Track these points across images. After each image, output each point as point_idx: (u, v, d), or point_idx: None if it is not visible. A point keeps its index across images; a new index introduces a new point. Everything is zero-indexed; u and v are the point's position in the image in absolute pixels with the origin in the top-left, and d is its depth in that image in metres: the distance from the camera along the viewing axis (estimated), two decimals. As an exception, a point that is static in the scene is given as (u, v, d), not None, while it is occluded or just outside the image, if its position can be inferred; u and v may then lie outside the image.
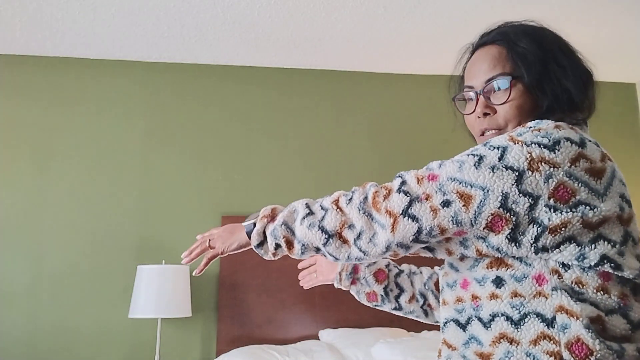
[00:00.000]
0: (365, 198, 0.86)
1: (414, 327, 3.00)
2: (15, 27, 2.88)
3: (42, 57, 3.21)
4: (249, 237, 0.98)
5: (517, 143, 0.80)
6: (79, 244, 3.03)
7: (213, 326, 3.02)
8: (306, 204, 0.92)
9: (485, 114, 0.95)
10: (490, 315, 0.82)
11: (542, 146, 0.78)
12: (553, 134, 0.80)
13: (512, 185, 0.77)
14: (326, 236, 0.87)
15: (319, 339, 2.91)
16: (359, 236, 0.84)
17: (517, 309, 0.80)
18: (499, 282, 0.82)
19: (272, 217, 0.95)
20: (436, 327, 2.96)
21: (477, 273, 0.86)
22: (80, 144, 3.15)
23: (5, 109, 3.13)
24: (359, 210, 0.85)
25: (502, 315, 0.81)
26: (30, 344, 2.90)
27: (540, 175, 0.76)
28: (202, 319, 3.02)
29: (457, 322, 0.88)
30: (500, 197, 0.77)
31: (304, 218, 0.90)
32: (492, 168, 0.78)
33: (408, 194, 0.82)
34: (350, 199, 0.87)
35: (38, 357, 2.88)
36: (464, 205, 0.78)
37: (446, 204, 0.79)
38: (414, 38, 3.05)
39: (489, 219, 0.78)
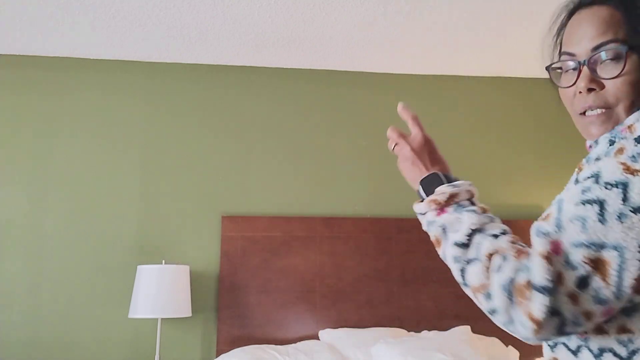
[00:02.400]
0: (512, 281, 0.68)
1: (414, 327, 3.00)
2: (15, 27, 2.88)
3: (42, 57, 3.21)
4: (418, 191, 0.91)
5: (637, 175, 0.65)
6: (79, 244, 3.03)
7: (213, 326, 3.02)
8: (472, 228, 0.77)
9: (590, 90, 0.80)
10: (598, 349, 0.72)
11: None
12: None
13: None
14: (462, 280, 0.76)
15: (319, 339, 2.91)
16: (492, 312, 0.71)
17: (624, 345, 0.70)
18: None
19: (442, 207, 0.82)
20: (436, 327, 2.96)
21: None
22: (80, 144, 3.15)
23: (5, 108, 3.13)
24: (503, 289, 0.68)
25: (610, 351, 0.71)
26: (31, 344, 2.90)
27: None
28: (202, 319, 3.02)
29: (566, 346, 0.77)
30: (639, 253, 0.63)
31: (457, 244, 0.77)
32: (620, 217, 0.64)
33: (546, 292, 0.65)
34: (500, 268, 0.70)
35: (38, 357, 2.88)
36: (602, 279, 0.64)
37: (583, 283, 0.65)
38: (414, 38, 3.05)
39: (634, 285, 0.64)
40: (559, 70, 0.86)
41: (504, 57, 3.29)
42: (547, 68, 0.89)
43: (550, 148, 3.47)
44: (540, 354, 2.96)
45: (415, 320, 3.05)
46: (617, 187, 0.66)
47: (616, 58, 0.78)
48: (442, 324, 2.99)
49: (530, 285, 0.65)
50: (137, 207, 3.11)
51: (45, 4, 2.67)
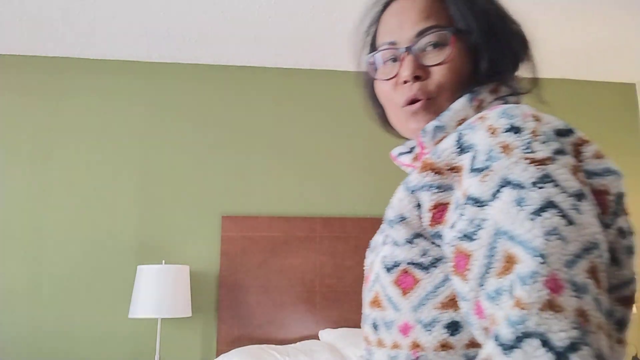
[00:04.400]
0: None
1: (414, 327, 3.00)
2: (15, 27, 2.88)
3: (42, 57, 3.21)
4: None
5: (549, 163, 0.57)
6: (79, 244, 3.03)
7: (213, 326, 3.02)
8: None
9: (417, 78, 0.73)
10: None
11: None
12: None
13: None
14: None
15: (319, 339, 2.91)
16: None
17: None
18: (454, 327, 0.61)
19: None
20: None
21: (424, 314, 0.63)
22: (80, 144, 3.15)
23: (5, 109, 3.13)
24: None
25: None
26: (31, 344, 2.90)
27: None
28: (202, 319, 3.02)
29: None
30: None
31: None
32: (576, 209, 0.55)
33: (580, 345, 0.47)
34: None
35: (38, 357, 2.88)
36: (596, 285, 0.52)
37: (598, 303, 0.51)
38: (414, 38, 3.05)
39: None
40: (373, 65, 0.79)
41: (504, 57, 3.28)
42: (364, 62, 0.82)
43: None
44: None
45: (415, 320, 3.05)
46: (548, 182, 0.55)
47: (441, 44, 0.73)
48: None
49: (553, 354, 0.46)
50: (137, 207, 3.11)
51: (45, 4, 2.67)
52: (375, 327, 0.67)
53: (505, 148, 0.58)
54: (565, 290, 0.48)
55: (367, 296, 0.70)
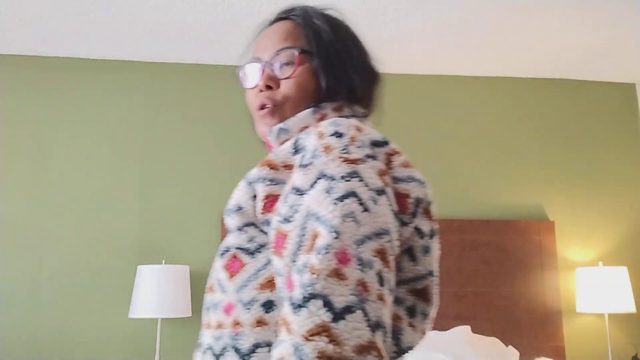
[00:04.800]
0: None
1: (414, 327, 3.00)
2: (15, 27, 2.88)
3: (42, 57, 3.21)
4: None
5: (360, 163, 0.69)
6: (79, 244, 3.03)
7: (213, 326, 3.02)
8: None
9: (268, 87, 0.86)
10: (252, 345, 0.68)
11: None
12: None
13: None
14: None
15: (319, 339, 2.91)
16: None
17: None
18: (269, 305, 0.69)
19: None
20: (436, 327, 2.95)
21: (245, 295, 0.71)
22: (80, 144, 3.15)
23: (5, 108, 3.13)
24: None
25: (267, 345, 0.67)
26: (31, 344, 2.90)
27: None
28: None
29: (211, 350, 0.72)
30: None
31: None
32: (375, 201, 0.69)
33: (354, 307, 0.60)
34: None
35: (38, 357, 2.88)
36: (385, 266, 0.66)
37: (381, 279, 0.63)
38: (414, 38, 3.05)
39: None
40: (242, 74, 0.92)
41: (504, 57, 3.29)
42: (237, 74, 0.95)
43: (550, 148, 3.46)
44: (541, 354, 2.96)
45: (415, 320, 3.04)
46: (354, 177, 0.65)
47: (290, 62, 0.86)
48: (442, 324, 2.98)
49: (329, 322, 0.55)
50: (137, 207, 3.11)
51: (45, 4, 2.67)
52: (207, 310, 0.75)
53: (327, 148, 0.69)
54: (351, 263, 0.59)
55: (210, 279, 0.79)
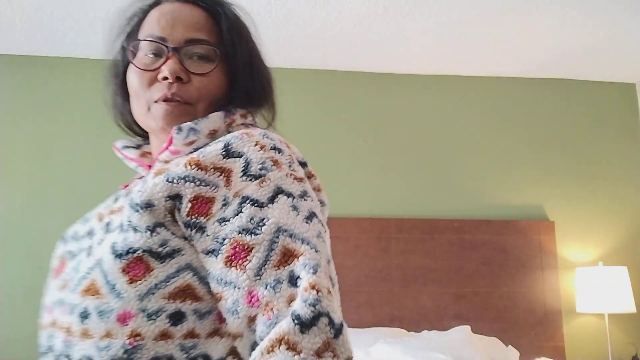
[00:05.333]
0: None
1: (414, 327, 3.00)
2: (15, 27, 2.88)
3: (42, 57, 3.21)
4: None
5: (305, 181, 0.73)
6: (79, 244, 3.03)
7: (213, 326, 3.02)
8: None
9: (178, 79, 0.77)
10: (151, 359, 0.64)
11: None
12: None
13: None
14: None
15: (319, 339, 2.91)
16: None
17: (186, 352, 0.64)
18: (177, 317, 0.64)
19: None
20: (436, 327, 2.96)
21: (151, 304, 0.64)
22: (80, 144, 3.15)
23: (5, 109, 3.13)
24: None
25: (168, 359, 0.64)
26: (31, 344, 2.89)
27: None
28: (202, 319, 3.02)
29: None
30: None
31: None
32: (324, 225, 0.75)
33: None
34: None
35: (38, 357, 2.88)
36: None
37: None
38: (414, 38, 3.05)
39: None
40: (132, 50, 0.81)
41: (504, 57, 3.29)
42: (124, 46, 0.83)
43: (550, 148, 3.46)
44: (541, 354, 2.96)
45: (415, 320, 3.05)
46: (308, 197, 0.69)
47: (206, 58, 0.79)
48: (442, 324, 2.99)
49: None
50: (137, 207, 3.11)
51: (45, 4, 2.67)
52: (85, 316, 0.64)
53: (276, 163, 0.69)
54: (328, 278, 0.63)
55: (71, 284, 0.70)
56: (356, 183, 3.30)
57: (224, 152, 0.69)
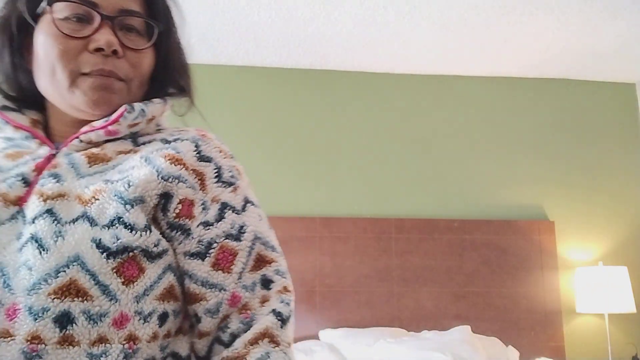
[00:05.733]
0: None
1: (414, 327, 3.00)
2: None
3: (42, 57, 3.20)
4: None
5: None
6: (79, 244, 3.02)
7: (213, 326, 3.02)
8: None
9: (115, 52, 0.68)
10: None
11: None
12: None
13: None
14: None
15: (319, 339, 2.91)
16: None
17: (162, 351, 0.64)
18: (163, 318, 0.64)
19: None
20: (436, 327, 2.96)
21: (146, 305, 0.63)
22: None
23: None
24: None
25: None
26: None
27: None
28: (202, 319, 3.02)
29: None
30: None
31: None
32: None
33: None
34: None
35: None
36: None
37: None
38: (414, 38, 3.05)
39: None
40: (46, 14, 0.68)
41: (504, 57, 3.29)
42: (49, 4, 0.68)
43: (550, 148, 3.46)
44: (541, 354, 2.96)
45: (415, 320, 3.05)
46: (259, 204, 0.76)
47: (142, 34, 0.71)
48: (442, 324, 2.99)
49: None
50: (137, 207, 3.11)
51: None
52: (68, 321, 0.57)
53: (239, 172, 0.73)
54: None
55: (43, 279, 0.58)
56: (356, 183, 3.30)
57: (197, 155, 0.69)
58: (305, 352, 2.65)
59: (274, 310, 0.65)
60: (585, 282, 3.07)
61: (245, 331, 0.64)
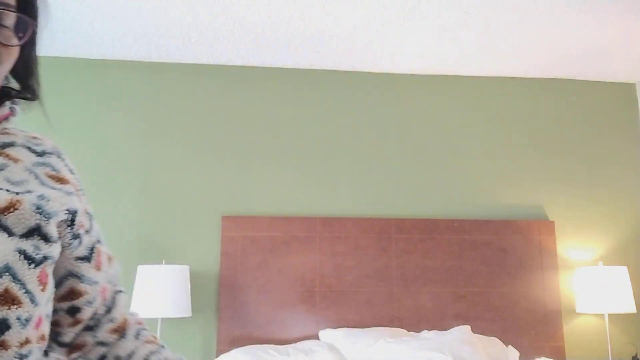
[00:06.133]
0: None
1: (414, 327, 3.00)
2: (15, 27, 2.88)
3: (42, 57, 3.19)
4: None
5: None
6: (79, 244, 3.03)
7: (213, 326, 3.02)
8: None
9: None
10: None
11: None
12: None
13: None
14: None
15: (319, 339, 2.91)
16: None
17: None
18: (49, 317, 0.71)
19: None
20: (436, 327, 2.96)
21: (49, 308, 0.70)
22: (80, 144, 3.15)
23: (5, 109, 3.13)
24: None
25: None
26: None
27: None
28: (202, 319, 3.02)
29: None
30: None
31: None
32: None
33: None
34: None
35: None
36: None
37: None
38: (414, 38, 3.05)
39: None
40: None
41: (504, 57, 3.29)
42: None
43: (550, 148, 3.46)
44: (541, 354, 2.96)
45: (415, 320, 3.05)
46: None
47: (15, 29, 0.66)
48: (442, 324, 2.99)
49: None
50: (137, 207, 3.11)
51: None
52: (6, 327, 0.60)
53: (77, 183, 0.82)
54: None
55: None
56: (356, 183, 3.30)
57: (66, 167, 0.80)
58: (305, 352, 2.65)
59: (123, 294, 0.85)
60: (585, 282, 3.07)
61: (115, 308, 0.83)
